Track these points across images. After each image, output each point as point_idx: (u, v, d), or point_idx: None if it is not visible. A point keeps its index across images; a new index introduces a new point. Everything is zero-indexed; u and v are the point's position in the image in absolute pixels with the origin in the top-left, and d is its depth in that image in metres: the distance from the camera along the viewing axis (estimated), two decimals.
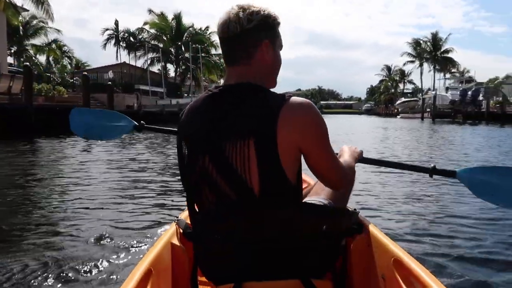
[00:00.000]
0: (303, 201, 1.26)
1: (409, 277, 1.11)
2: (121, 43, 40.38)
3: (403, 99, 57.25)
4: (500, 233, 3.37)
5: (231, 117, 1.07)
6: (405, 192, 5.09)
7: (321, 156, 1.12)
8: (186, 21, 40.72)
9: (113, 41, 40.18)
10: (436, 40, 56.57)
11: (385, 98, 69.39)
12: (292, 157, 1.07)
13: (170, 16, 39.73)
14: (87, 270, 2.27)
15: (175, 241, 1.29)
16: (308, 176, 1.83)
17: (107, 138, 2.37)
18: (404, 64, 62.96)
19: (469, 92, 34.89)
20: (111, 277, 2.20)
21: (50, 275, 2.20)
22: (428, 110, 41.19)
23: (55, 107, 15.42)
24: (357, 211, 1.41)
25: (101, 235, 2.89)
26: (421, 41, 58.46)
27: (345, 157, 1.36)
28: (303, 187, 1.29)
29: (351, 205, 1.58)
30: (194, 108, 1.17)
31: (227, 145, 1.05)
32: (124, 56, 40.67)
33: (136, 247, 2.67)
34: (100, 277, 2.20)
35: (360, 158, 1.53)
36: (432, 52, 56.54)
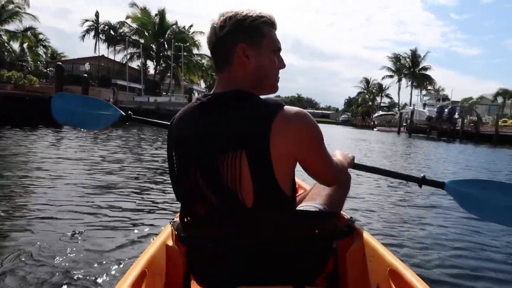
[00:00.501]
0: (298, 207, 1.26)
1: (404, 287, 1.11)
2: (100, 36, 39.14)
3: (380, 112, 58.13)
4: (497, 242, 3.43)
5: (220, 128, 1.04)
6: (401, 201, 5.13)
7: (318, 161, 1.12)
8: (169, 18, 39.90)
9: (92, 33, 38.94)
10: (415, 57, 57.87)
11: (362, 110, 70.39)
12: (286, 167, 1.04)
13: (153, 12, 38.87)
14: (81, 271, 2.20)
15: (170, 243, 1.27)
16: (303, 182, 1.82)
17: (90, 127, 2.18)
18: (383, 78, 64.10)
19: (446, 110, 35.53)
20: (105, 278, 2.15)
21: (41, 277, 2.11)
22: (404, 124, 41.93)
23: (24, 97, 14.52)
24: (352, 219, 1.43)
25: (94, 235, 2.80)
26: (401, 57, 59.71)
27: (339, 158, 1.35)
28: (299, 193, 1.33)
29: (346, 213, 1.59)
30: (183, 118, 1.14)
31: (218, 157, 1.02)
32: (103, 50, 39.51)
33: (131, 248, 2.62)
34: (93, 278, 2.14)
35: (352, 164, 1.53)
36: (411, 68, 57.74)
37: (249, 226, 1.05)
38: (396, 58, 60.14)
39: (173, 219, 1.38)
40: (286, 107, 1.03)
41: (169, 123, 1.23)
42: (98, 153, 7.66)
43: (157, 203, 3.92)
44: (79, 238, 2.74)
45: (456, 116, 35.10)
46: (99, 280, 2.11)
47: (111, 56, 38.11)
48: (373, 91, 73.68)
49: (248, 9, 1.10)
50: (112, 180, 5.07)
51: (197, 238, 1.14)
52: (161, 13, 38.50)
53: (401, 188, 5.95)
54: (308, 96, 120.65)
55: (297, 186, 1.29)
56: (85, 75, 21.11)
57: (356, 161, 1.60)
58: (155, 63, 40.89)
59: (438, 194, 5.26)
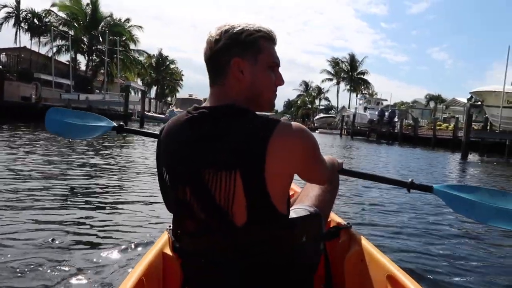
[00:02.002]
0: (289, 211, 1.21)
1: None
2: (22, 25, 34.80)
3: (321, 115, 59.02)
4: (494, 246, 3.49)
5: (213, 144, 1.00)
6: (397, 206, 5.16)
7: (314, 172, 1.14)
8: (104, 10, 36.63)
9: (12, 21, 34.47)
10: (353, 61, 59.51)
11: (302, 113, 71.30)
12: (281, 185, 1.02)
13: (85, 1, 35.42)
14: (77, 278, 2.18)
15: (167, 251, 1.24)
16: (294, 184, 1.81)
17: (82, 137, 2.16)
18: (323, 81, 65.28)
19: (386, 113, 36.38)
20: (102, 286, 2.11)
21: (37, 285, 2.08)
22: (345, 127, 42.61)
23: None
24: (349, 225, 1.53)
25: (90, 242, 2.78)
26: (340, 61, 61.11)
27: (329, 162, 1.36)
28: (290, 194, 1.29)
29: (343, 219, 1.66)
30: (172, 131, 1.10)
31: (210, 176, 0.99)
32: (26, 41, 34.96)
33: (128, 255, 2.57)
34: (91, 286, 2.10)
35: (340, 169, 1.54)
36: (349, 72, 59.26)
37: (241, 244, 1.01)
38: (335, 62, 61.49)
39: (170, 226, 1.26)
40: (282, 123, 0.99)
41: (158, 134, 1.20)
42: (88, 160, 7.26)
43: (153, 209, 3.80)
44: (74, 246, 2.69)
45: (396, 119, 35.99)
46: None
47: (35, 48, 34.00)
48: (313, 94, 74.90)
49: (246, 22, 1.07)
50: (106, 185, 4.99)
51: (190, 251, 1.12)
52: (94, 3, 35.18)
53: (394, 192, 6.01)
54: None
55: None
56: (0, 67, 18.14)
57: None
58: (86, 58, 37.35)
59: (430, 198, 5.32)
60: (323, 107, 73.94)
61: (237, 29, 1.05)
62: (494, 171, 12.97)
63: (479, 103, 18.90)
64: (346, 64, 60.13)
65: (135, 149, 10.95)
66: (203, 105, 1.10)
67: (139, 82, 45.59)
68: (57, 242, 2.75)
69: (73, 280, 2.16)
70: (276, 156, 0.96)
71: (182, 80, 67.95)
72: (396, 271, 1.20)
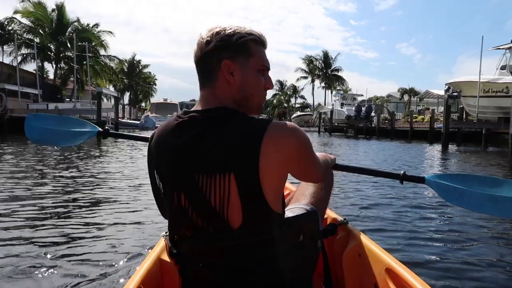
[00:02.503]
0: (285, 209, 1.20)
1: (402, 285, 1.12)
2: None
3: (298, 113, 59.19)
4: (491, 237, 3.51)
5: (205, 148, 0.99)
6: (391, 198, 5.18)
7: (308, 170, 1.13)
8: (70, 16, 35.28)
9: None
10: (327, 59, 59.73)
11: (278, 112, 71.18)
12: (276, 185, 1.01)
13: (50, 8, 33.97)
14: (74, 286, 2.18)
15: (165, 257, 1.23)
16: (289, 183, 1.84)
17: (65, 144, 2.05)
18: (298, 80, 65.29)
19: (363, 108, 36.57)
20: None
21: None
22: (322, 124, 42.71)
23: None
24: (346, 221, 1.57)
25: (87, 252, 2.75)
26: (313, 59, 61.34)
27: (323, 159, 1.39)
28: (285, 193, 1.37)
29: (339, 215, 1.68)
30: (163, 138, 1.08)
31: (204, 179, 0.98)
32: None
33: (125, 263, 2.55)
34: None
35: (334, 165, 1.55)
36: (323, 69, 59.51)
37: (238, 246, 1.00)
38: (309, 60, 61.64)
39: (166, 232, 1.25)
40: (274, 123, 0.99)
41: (148, 137, 1.19)
42: (78, 168, 7.31)
43: (148, 216, 3.74)
44: (70, 256, 2.65)
45: (373, 114, 36.21)
46: None
47: None
48: (288, 92, 74.95)
49: (237, 25, 1.07)
50: (98, 194, 4.93)
51: (187, 256, 1.10)
52: (60, 8, 33.81)
53: (388, 185, 6.05)
54: None
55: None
56: None
57: None
58: (54, 66, 35.93)
59: (424, 189, 5.51)
60: (299, 106, 74.09)
61: (228, 31, 1.05)
62: (474, 160, 13.28)
63: (457, 93, 18.99)
64: (320, 61, 60.30)
65: (120, 155, 10.64)
66: (193, 108, 1.08)
67: (111, 88, 44.24)
68: (53, 253, 2.71)
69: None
70: (269, 156, 0.95)
71: (155, 84, 66.81)
72: (394, 264, 1.20)
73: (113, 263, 2.54)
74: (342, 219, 1.60)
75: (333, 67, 59.75)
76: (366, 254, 1.35)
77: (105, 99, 31.90)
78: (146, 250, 2.72)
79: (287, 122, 1.03)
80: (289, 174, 1.08)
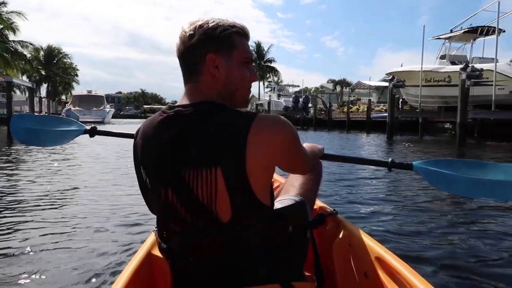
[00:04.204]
0: (275, 201, 1.23)
1: (392, 274, 1.13)
2: None
3: None
4: (478, 225, 3.58)
5: (191, 142, 0.97)
6: (380, 187, 5.34)
7: (296, 162, 1.14)
8: None
9: None
10: (260, 49, 59.21)
11: None
12: (264, 178, 1.01)
13: None
14: (66, 284, 2.18)
15: (155, 252, 1.23)
16: (278, 175, 1.88)
17: (52, 144, 2.06)
18: None
19: (301, 99, 36.41)
20: None
21: None
22: None
23: None
24: (335, 211, 1.57)
25: (77, 248, 2.75)
26: None
27: (310, 149, 1.41)
28: (275, 186, 1.40)
29: (329, 206, 1.71)
30: (148, 134, 1.06)
31: (191, 174, 0.97)
32: None
33: (115, 257, 2.55)
34: None
35: (322, 154, 1.56)
36: (257, 60, 58.93)
37: (227, 240, 1.00)
38: None
39: (156, 227, 1.20)
40: (260, 117, 0.97)
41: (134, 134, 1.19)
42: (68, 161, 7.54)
43: (138, 211, 3.67)
44: (60, 252, 2.67)
45: (310, 105, 36.20)
46: None
47: None
48: None
49: (219, 18, 1.07)
50: (88, 187, 5.04)
51: (177, 251, 1.09)
52: None
53: (377, 174, 6.17)
54: (153, 91, 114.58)
55: (272, 180, 1.18)
56: None
57: None
58: None
59: (412, 176, 5.61)
60: None
61: (212, 24, 1.03)
62: (416, 148, 13.65)
63: (401, 83, 19.03)
64: (253, 52, 59.62)
65: (105, 150, 10.35)
66: (178, 103, 1.07)
67: (25, 79, 39.36)
68: (40, 246, 2.74)
69: (61, 286, 2.14)
70: (256, 149, 0.94)
71: (77, 75, 61.39)
72: (384, 253, 1.20)
73: (103, 259, 2.53)
74: (332, 209, 1.61)
75: (266, 58, 59.42)
76: (356, 244, 1.35)
77: (18, 91, 28.00)
78: (136, 245, 2.66)
79: (274, 115, 1.03)
80: (277, 166, 1.08)
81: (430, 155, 10.77)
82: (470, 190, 1.54)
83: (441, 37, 21.30)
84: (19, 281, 2.22)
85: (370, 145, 15.34)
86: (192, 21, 1.05)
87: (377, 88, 41.38)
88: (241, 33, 1.07)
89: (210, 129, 0.96)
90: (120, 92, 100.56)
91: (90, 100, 35.20)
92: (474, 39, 20.78)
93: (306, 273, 1.29)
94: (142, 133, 1.09)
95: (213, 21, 1.04)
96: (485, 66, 15.60)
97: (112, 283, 1.04)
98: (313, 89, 55.94)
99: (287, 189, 1.46)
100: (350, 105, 31.84)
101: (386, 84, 40.04)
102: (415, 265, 2.03)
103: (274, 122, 0.98)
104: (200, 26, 1.03)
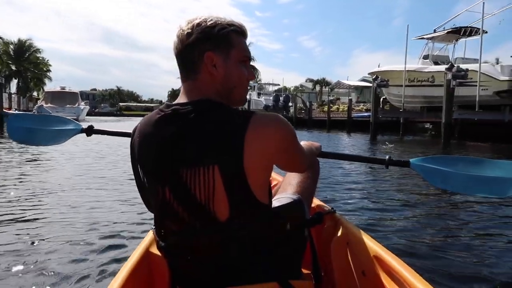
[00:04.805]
0: (273, 199, 1.21)
1: (389, 272, 1.13)
2: None
3: None
4: (475, 222, 3.56)
5: (189, 141, 0.97)
6: (377, 185, 5.35)
7: (293, 161, 1.14)
8: None
9: None
10: None
11: None
12: (261, 177, 1.00)
13: None
14: (63, 282, 2.16)
15: (153, 250, 1.22)
16: (275, 174, 1.84)
17: (49, 143, 2.05)
18: None
19: (281, 98, 36.12)
20: None
21: None
22: None
23: None
24: (333, 210, 1.56)
25: (75, 246, 2.73)
26: None
27: (308, 147, 1.41)
28: (272, 184, 1.36)
29: (327, 204, 1.69)
30: (146, 132, 1.06)
31: (188, 172, 0.97)
32: None
33: (113, 255, 2.54)
34: None
35: (319, 152, 1.55)
36: None
37: (225, 239, 0.99)
38: None
39: (154, 225, 1.21)
40: (257, 114, 0.98)
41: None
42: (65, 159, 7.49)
43: (136, 208, 3.67)
44: (58, 249, 2.66)
45: (290, 104, 35.98)
46: None
47: None
48: None
49: (217, 16, 1.07)
50: (84, 186, 4.98)
51: (175, 249, 1.09)
52: None
53: (374, 172, 6.19)
54: (129, 88, 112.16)
55: (270, 179, 1.17)
56: None
57: None
58: None
59: (409, 174, 5.66)
60: None
61: (210, 22, 1.03)
62: (400, 148, 13.86)
63: (385, 82, 18.90)
64: None
65: (105, 148, 10.23)
66: (176, 101, 1.07)
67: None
68: (39, 246, 2.73)
69: (60, 285, 2.13)
70: (253, 148, 0.94)
71: (50, 71, 59.20)
72: (382, 251, 1.20)
73: (101, 256, 2.51)
74: (330, 208, 1.60)
75: None
76: (354, 242, 1.35)
77: None
78: (134, 243, 2.56)
79: (271, 113, 1.02)
80: (275, 165, 1.08)
81: (414, 156, 10.76)
82: (467, 187, 1.53)
83: (424, 37, 21.35)
84: (16, 278, 2.22)
85: (354, 145, 15.14)
86: (190, 20, 1.04)
87: (356, 88, 41.56)
88: (239, 32, 1.07)
89: (208, 127, 0.96)
90: (95, 89, 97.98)
91: (63, 97, 33.78)
92: (457, 40, 20.91)
93: (304, 271, 1.31)
94: (139, 131, 1.08)
95: (211, 20, 1.03)
96: (469, 66, 15.60)
97: (110, 280, 1.06)
98: (292, 88, 55.83)
99: (284, 188, 1.46)
100: (332, 105, 31.72)
101: (365, 84, 40.77)
102: (412, 263, 1.99)
103: (271, 121, 0.98)
104: (198, 24, 1.02)
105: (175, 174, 0.98)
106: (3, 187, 4.84)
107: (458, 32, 19.93)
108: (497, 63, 16.58)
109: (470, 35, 19.91)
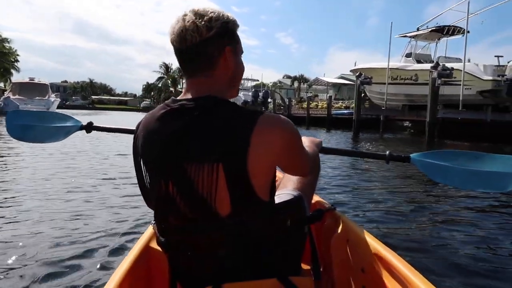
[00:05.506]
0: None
1: (389, 270, 1.14)
2: None
3: None
4: (477, 219, 3.57)
5: (194, 137, 0.98)
6: (378, 182, 5.38)
7: (297, 164, 1.13)
8: None
9: None
10: None
11: (165, 96, 67.51)
12: (265, 177, 1.00)
13: None
14: (64, 276, 2.18)
15: (153, 245, 1.23)
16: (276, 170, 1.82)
17: (49, 141, 1.98)
18: None
19: (260, 94, 35.65)
20: (87, 286, 2.07)
21: (22, 284, 2.08)
22: None
23: None
24: (333, 207, 1.58)
25: (75, 241, 2.73)
26: None
27: (309, 145, 1.38)
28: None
29: (327, 201, 1.72)
30: (151, 127, 1.06)
31: (193, 168, 0.97)
32: None
33: (113, 251, 2.54)
34: (76, 284, 2.09)
35: (320, 148, 1.55)
36: None
37: (226, 235, 1.00)
38: None
39: (154, 221, 1.20)
40: (264, 115, 0.97)
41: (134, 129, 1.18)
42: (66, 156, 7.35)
43: (137, 203, 3.68)
44: (59, 243, 2.67)
45: (270, 100, 35.55)
46: (83, 287, 2.05)
47: None
48: (175, 76, 71.48)
49: (221, 10, 1.06)
50: (85, 182, 4.95)
51: (176, 245, 1.09)
52: None
53: (374, 168, 6.19)
54: (102, 81, 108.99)
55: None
56: None
57: None
58: None
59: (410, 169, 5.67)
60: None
61: (225, 17, 1.03)
62: (383, 146, 13.89)
63: (368, 79, 18.70)
64: None
65: (103, 145, 10.08)
66: (181, 96, 1.06)
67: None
68: (38, 239, 2.75)
69: (60, 278, 2.13)
70: (259, 148, 0.94)
71: (18, 61, 56.51)
72: (382, 249, 1.20)
73: (101, 251, 2.52)
74: (330, 205, 1.61)
75: None
76: (354, 239, 1.36)
77: None
78: (135, 239, 2.50)
79: (279, 115, 1.02)
80: (277, 166, 1.08)
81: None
82: (467, 182, 1.52)
83: (407, 35, 21.29)
84: (15, 271, 2.23)
85: (339, 143, 14.87)
86: (199, 12, 1.01)
87: (334, 85, 41.61)
88: (238, 26, 1.08)
89: (215, 124, 0.96)
90: (66, 81, 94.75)
91: (32, 88, 32.14)
92: (439, 39, 20.98)
93: (304, 268, 1.32)
94: (143, 126, 1.08)
95: (223, 14, 1.03)
96: (452, 65, 15.55)
97: (109, 276, 1.05)
98: (271, 84, 55.52)
99: (285, 184, 1.45)
100: (311, 101, 31.51)
101: (343, 81, 40.87)
102: (412, 261, 1.95)
103: (279, 122, 0.98)
104: (216, 19, 1.01)
105: (179, 168, 0.97)
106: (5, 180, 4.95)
107: (441, 31, 19.94)
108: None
109: (453, 34, 19.99)
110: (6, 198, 3.96)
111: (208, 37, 0.99)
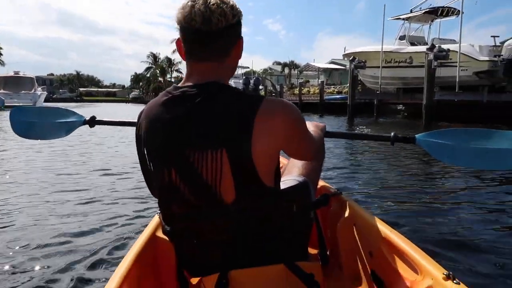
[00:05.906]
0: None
1: (398, 253, 1.13)
2: None
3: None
4: (484, 202, 3.46)
5: (198, 123, 0.96)
6: (383, 164, 5.30)
7: (302, 147, 1.12)
8: None
9: None
10: None
11: (154, 86, 66.57)
12: (269, 161, 1.00)
13: None
14: (71, 267, 2.18)
15: (159, 234, 1.23)
16: (281, 156, 1.80)
17: (53, 137, 2.00)
18: (174, 52, 61.14)
19: (251, 81, 35.25)
20: (94, 274, 2.09)
21: (32, 274, 2.10)
22: None
23: None
24: (339, 191, 1.56)
25: (81, 232, 2.73)
26: None
27: (313, 130, 1.35)
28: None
29: (333, 186, 1.71)
30: (153, 115, 1.04)
31: (196, 155, 0.96)
32: None
33: (120, 240, 2.55)
34: (81, 275, 2.08)
35: (324, 132, 1.52)
36: None
37: (231, 221, 1.00)
38: None
39: (159, 209, 1.21)
40: (267, 100, 0.97)
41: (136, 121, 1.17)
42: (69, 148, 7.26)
43: (142, 193, 3.68)
44: (66, 235, 2.67)
45: (261, 87, 35.18)
46: (90, 275, 2.07)
47: None
48: (163, 65, 70.47)
49: None
50: (92, 172, 4.98)
51: (181, 233, 1.09)
52: None
53: (379, 151, 6.16)
54: (89, 73, 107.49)
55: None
56: None
57: None
58: None
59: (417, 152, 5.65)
60: (175, 80, 70.31)
61: (238, 7, 1.03)
62: (379, 129, 13.77)
63: (362, 63, 18.44)
64: None
65: (110, 136, 9.91)
66: (182, 83, 1.04)
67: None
68: (45, 228, 2.78)
69: (68, 268, 2.14)
70: (262, 133, 0.93)
71: (1, 55, 55.18)
72: (389, 232, 1.19)
73: (107, 242, 2.51)
74: (336, 189, 1.60)
75: None
76: (361, 223, 1.35)
77: None
78: (140, 228, 2.61)
79: (281, 99, 1.01)
80: (282, 151, 1.06)
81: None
82: (476, 161, 1.47)
83: (400, 17, 20.98)
84: (22, 257, 2.26)
85: (334, 128, 14.66)
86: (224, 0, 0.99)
87: (325, 71, 41.29)
88: None
89: (217, 110, 0.94)
90: (52, 74, 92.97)
91: (18, 82, 31.39)
92: (432, 20, 20.72)
93: (311, 253, 1.34)
94: (146, 114, 1.07)
95: (236, 4, 1.02)
96: (448, 47, 15.34)
97: (116, 265, 1.05)
98: (261, 71, 55.08)
99: (290, 170, 1.44)
100: (302, 87, 31.21)
101: (334, 66, 40.54)
102: (421, 244, 1.87)
103: (281, 106, 0.98)
104: (237, 7, 1.01)
105: (182, 155, 0.96)
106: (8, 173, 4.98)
107: (435, 13, 19.67)
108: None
109: (447, 15, 19.74)
110: (14, 190, 4.01)
111: (232, 23, 0.99)
